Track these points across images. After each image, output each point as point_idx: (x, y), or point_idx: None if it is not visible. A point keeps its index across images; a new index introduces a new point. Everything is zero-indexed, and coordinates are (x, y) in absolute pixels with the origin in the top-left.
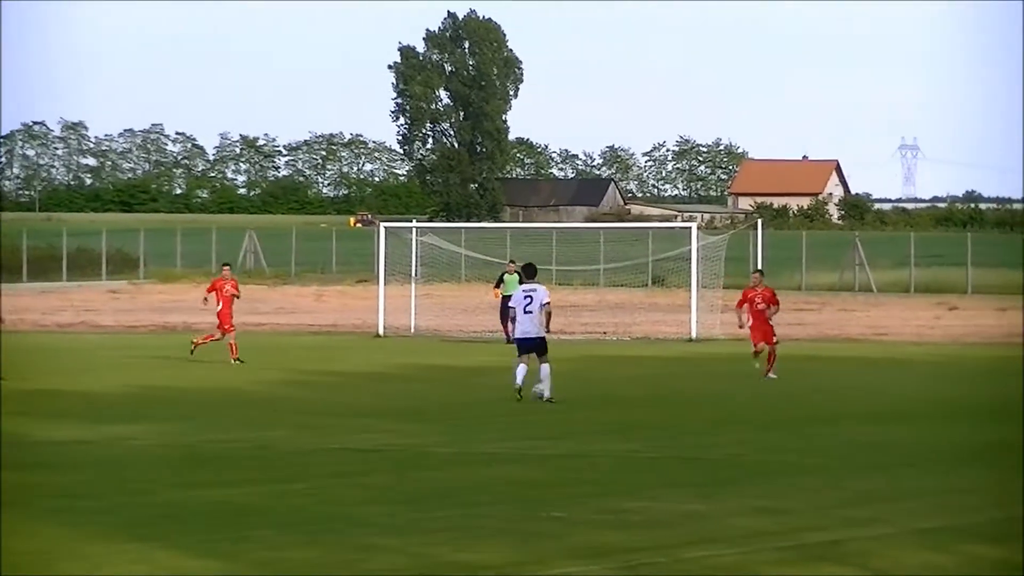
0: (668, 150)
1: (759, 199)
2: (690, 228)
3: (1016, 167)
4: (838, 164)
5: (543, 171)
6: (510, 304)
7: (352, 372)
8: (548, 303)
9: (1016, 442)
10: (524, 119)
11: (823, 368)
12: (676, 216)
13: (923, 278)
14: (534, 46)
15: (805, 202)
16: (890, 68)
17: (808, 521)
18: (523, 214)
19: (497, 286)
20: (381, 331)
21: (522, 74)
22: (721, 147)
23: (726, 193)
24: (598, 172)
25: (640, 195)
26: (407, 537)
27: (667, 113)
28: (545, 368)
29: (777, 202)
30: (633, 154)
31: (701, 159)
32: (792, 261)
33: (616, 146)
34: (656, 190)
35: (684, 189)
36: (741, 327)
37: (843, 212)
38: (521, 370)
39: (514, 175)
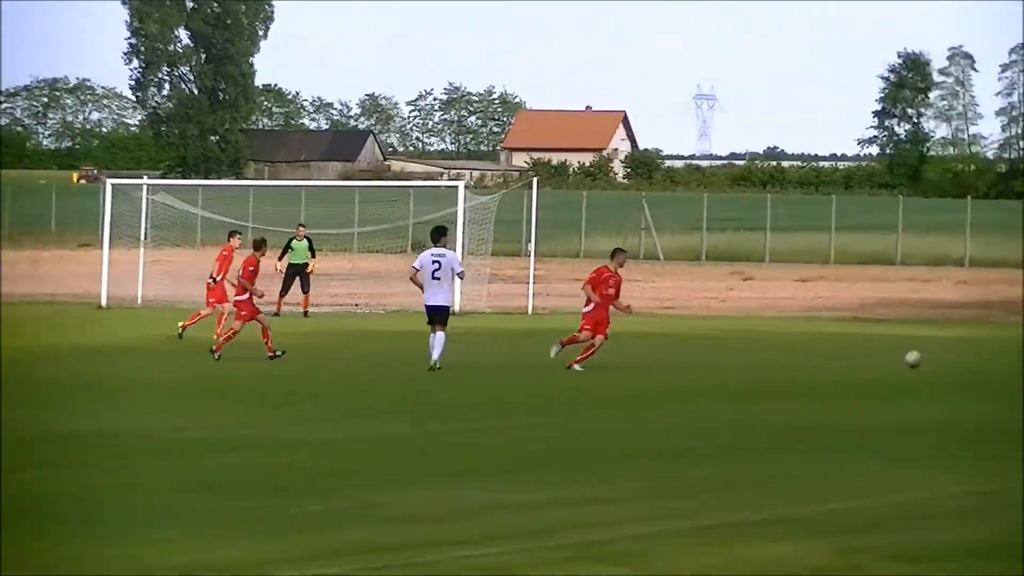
0: (435, 99)
1: (536, 155)
2: (457, 187)
3: (823, 122)
4: (625, 116)
5: (293, 122)
6: (414, 266)
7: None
8: (462, 271)
9: (847, 424)
10: (273, 63)
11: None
12: (442, 174)
13: (716, 244)
14: None
15: (587, 158)
16: (683, 8)
17: (611, 514)
18: (269, 170)
19: (283, 255)
20: (104, 302)
21: (272, 12)
22: (495, 96)
23: (499, 148)
24: (355, 123)
25: (402, 149)
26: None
27: (434, 58)
28: (440, 335)
29: (556, 158)
30: (396, 103)
31: (472, 109)
32: (571, 224)
33: (377, 94)
34: (421, 144)
35: (452, 143)
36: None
37: (629, 170)
38: (434, 340)
39: (260, 126)
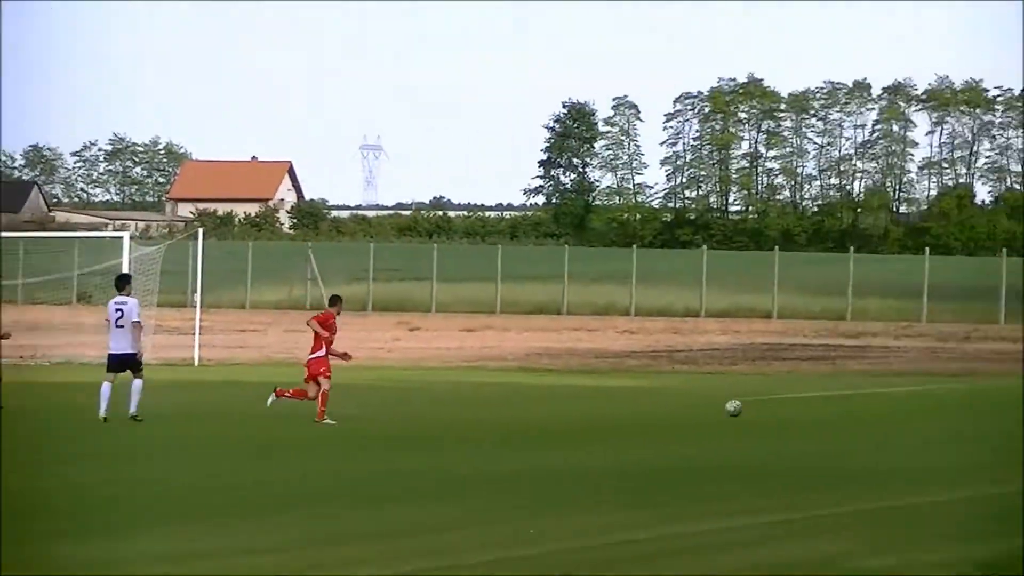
0: (100, 150)
1: (201, 205)
2: (122, 238)
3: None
4: (291, 166)
5: None
6: (107, 318)
7: None
8: (137, 320)
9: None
10: None
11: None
12: (107, 224)
13: (383, 294)
14: None
15: (253, 208)
16: (345, 56)
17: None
18: None
19: None
20: None
21: None
22: (160, 147)
23: (164, 198)
24: (19, 174)
25: (67, 200)
26: None
27: (99, 109)
28: (138, 383)
29: (222, 208)
30: (61, 154)
31: (137, 160)
32: (237, 274)
33: (40, 145)
34: (86, 194)
35: (117, 194)
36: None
37: (295, 220)
38: (106, 391)
39: None
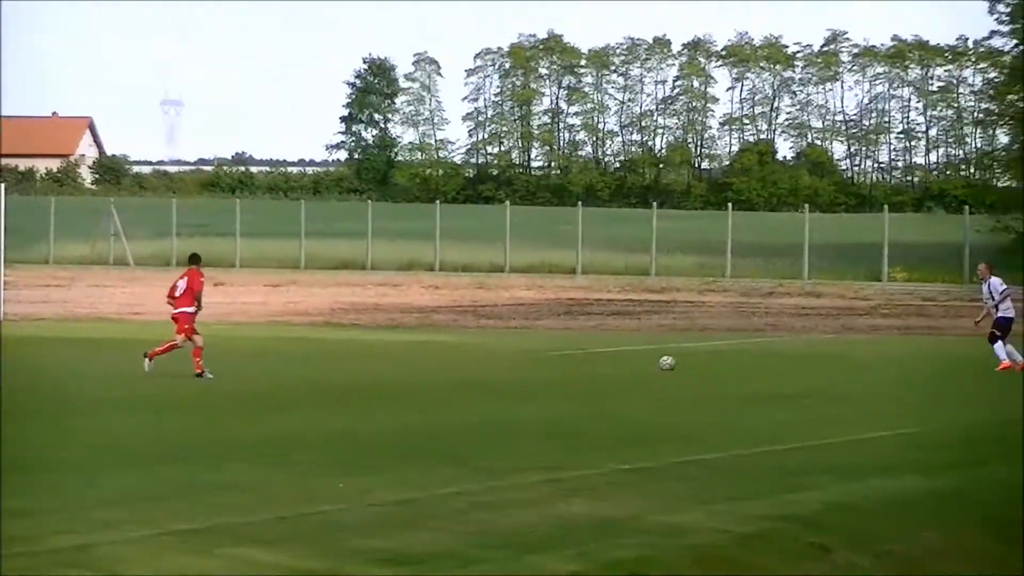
0: None
1: (2, 161)
2: None
3: (291, 128)
4: (91, 122)
5: None
6: None
7: None
8: None
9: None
10: None
11: (79, 352)
12: None
13: (187, 250)
14: None
15: (55, 164)
16: (146, 11)
17: (55, 524)
18: None
19: None
20: None
21: None
22: None
23: None
24: None
25: None
26: None
27: None
28: None
29: (23, 164)
30: None
31: None
32: (40, 231)
33: None
34: None
35: None
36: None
37: (97, 176)
38: None
39: None
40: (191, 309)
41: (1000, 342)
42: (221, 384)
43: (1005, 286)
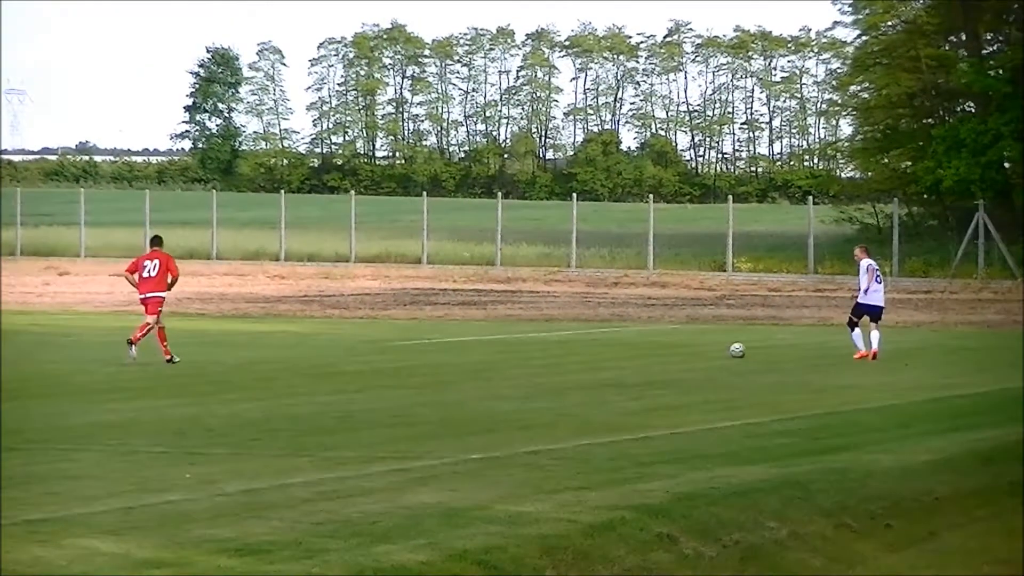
0: None
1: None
2: None
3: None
4: None
5: None
6: None
7: None
8: None
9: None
10: None
11: None
12: None
13: (31, 239)
14: None
15: None
16: None
17: None
18: None
19: None
20: None
21: None
22: None
23: None
24: None
25: None
26: None
27: None
28: None
29: None
30: None
31: None
32: None
33: None
34: None
35: None
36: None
37: None
38: None
39: None
40: (164, 293)
41: (857, 329)
42: (63, 372)
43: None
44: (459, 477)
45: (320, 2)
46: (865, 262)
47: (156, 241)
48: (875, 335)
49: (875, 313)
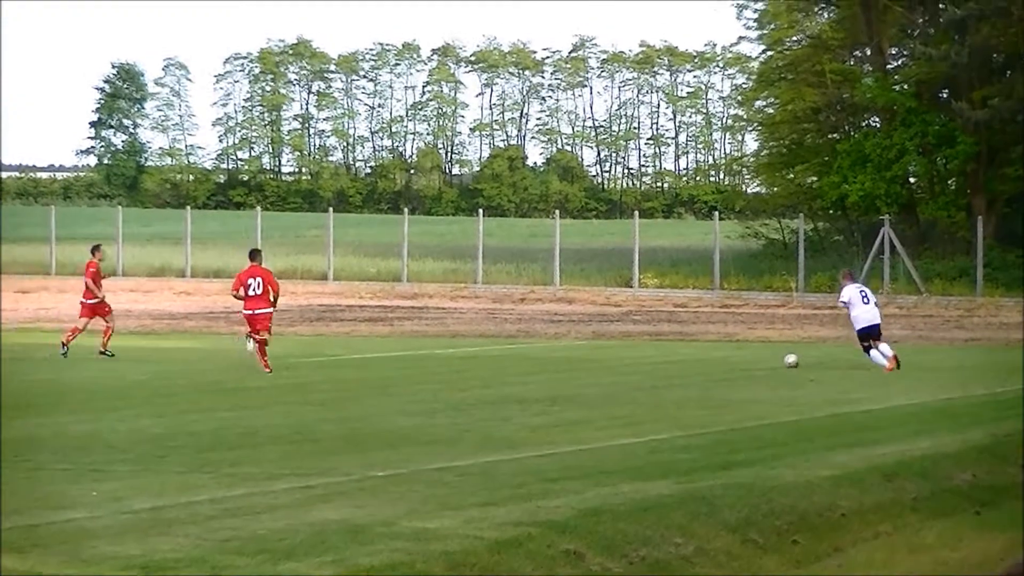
0: None
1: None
2: None
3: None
4: None
5: None
6: None
7: None
8: None
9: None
10: None
11: None
12: None
13: None
14: None
15: None
16: None
17: None
18: None
19: None
20: None
21: None
22: None
23: None
24: None
25: None
26: None
27: None
28: None
29: None
30: None
31: None
32: None
33: None
34: None
35: None
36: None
37: None
38: None
39: None
40: (271, 309)
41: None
42: None
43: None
44: (364, 493)
45: (226, 17)
46: (851, 287)
47: (255, 256)
48: (884, 347)
49: (875, 331)
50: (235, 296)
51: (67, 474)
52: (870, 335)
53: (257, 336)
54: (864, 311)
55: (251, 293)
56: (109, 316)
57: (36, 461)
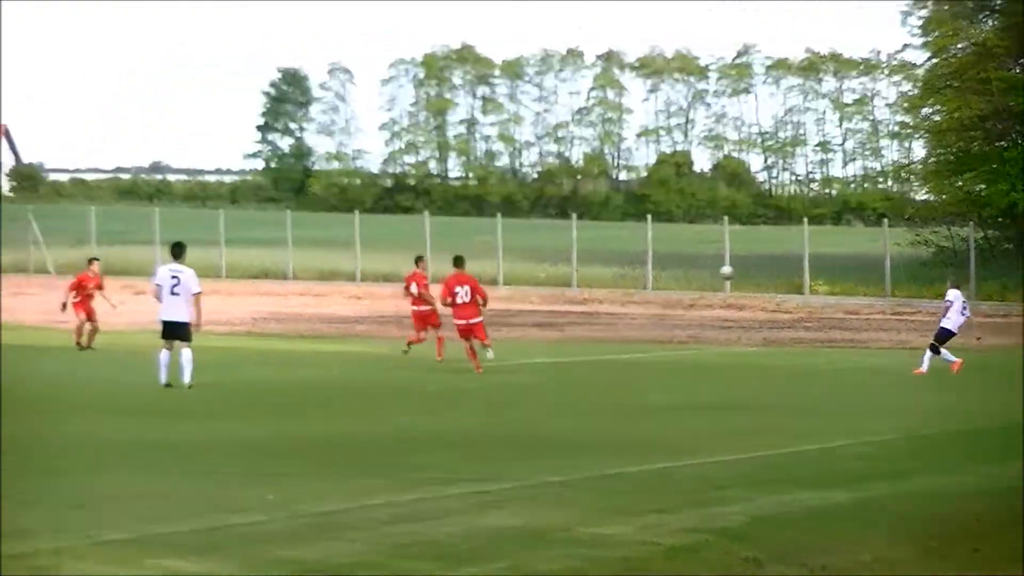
0: None
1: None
2: None
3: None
4: (6, 129)
5: None
6: (156, 282)
7: None
8: (199, 292)
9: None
10: None
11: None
12: None
13: (106, 257)
14: None
15: None
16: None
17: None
18: None
19: None
20: None
21: None
22: None
23: None
24: None
25: None
26: None
27: None
28: (188, 353)
29: None
30: None
31: None
32: None
33: None
34: None
35: None
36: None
37: (14, 184)
38: (164, 359)
39: None
40: (480, 318)
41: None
42: (140, 392)
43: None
44: (538, 499)
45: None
46: (957, 292)
47: (460, 262)
48: (943, 352)
49: (951, 336)
50: (444, 304)
51: (245, 477)
52: (947, 339)
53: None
54: (956, 317)
55: (459, 301)
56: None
57: (211, 465)
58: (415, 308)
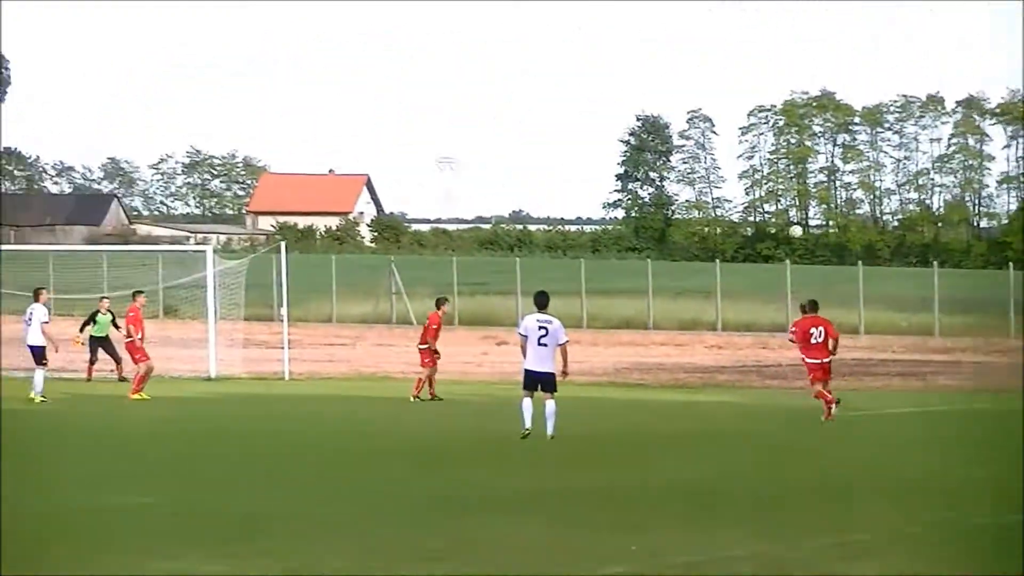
0: (177, 162)
1: (281, 218)
2: (205, 251)
3: (565, 184)
4: (368, 179)
5: (36, 185)
6: (520, 332)
7: None
8: (567, 341)
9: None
10: (10, 126)
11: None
12: (188, 237)
13: (467, 308)
14: (23, 44)
15: (333, 222)
16: (419, 69)
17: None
18: (15, 234)
19: (84, 327)
20: None
21: (9, 76)
22: (237, 160)
23: (244, 212)
24: (98, 187)
25: (147, 213)
26: None
27: (174, 122)
28: (552, 405)
29: (302, 222)
30: (138, 167)
31: (215, 173)
32: (321, 288)
33: (118, 158)
34: (165, 207)
35: (197, 207)
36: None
37: (376, 233)
38: (527, 407)
39: (3, 189)
40: (830, 359)
41: None
42: (512, 439)
43: None
44: (898, 548)
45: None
46: None
47: (814, 306)
48: None
49: None
50: (791, 341)
51: (611, 526)
52: None
53: (815, 386)
54: None
55: (813, 342)
56: (141, 361)
57: (581, 513)
58: (422, 347)
